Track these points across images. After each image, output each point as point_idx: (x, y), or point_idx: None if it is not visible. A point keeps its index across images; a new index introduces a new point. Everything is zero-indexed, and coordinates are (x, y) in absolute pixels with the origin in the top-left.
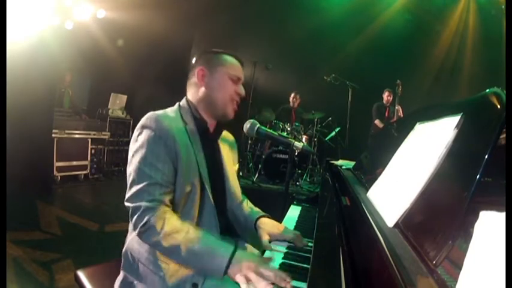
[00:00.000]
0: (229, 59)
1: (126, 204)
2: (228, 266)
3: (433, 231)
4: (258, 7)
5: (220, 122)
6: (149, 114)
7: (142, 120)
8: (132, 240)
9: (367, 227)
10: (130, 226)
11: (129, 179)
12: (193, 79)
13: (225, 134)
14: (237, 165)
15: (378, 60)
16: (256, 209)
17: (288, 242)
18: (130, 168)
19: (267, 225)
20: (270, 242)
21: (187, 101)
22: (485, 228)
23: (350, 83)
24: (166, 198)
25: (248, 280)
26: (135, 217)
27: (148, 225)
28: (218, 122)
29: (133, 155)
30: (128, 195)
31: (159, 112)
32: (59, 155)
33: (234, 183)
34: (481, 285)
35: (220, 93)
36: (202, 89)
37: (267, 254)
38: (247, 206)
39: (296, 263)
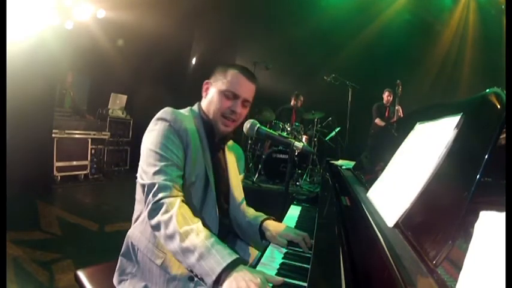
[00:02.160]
0: (234, 73)
1: (141, 181)
2: (224, 271)
3: (433, 231)
4: (258, 7)
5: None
6: (165, 108)
7: (159, 114)
8: (134, 228)
9: (367, 227)
10: (135, 215)
11: (145, 162)
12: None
13: (234, 145)
14: (243, 174)
15: (378, 60)
16: (259, 213)
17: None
18: (146, 153)
19: (275, 227)
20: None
21: (199, 106)
22: (485, 228)
23: (350, 83)
24: (180, 182)
25: None
26: (150, 194)
27: (160, 202)
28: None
29: (149, 142)
30: (144, 176)
31: (174, 109)
32: (59, 155)
33: (237, 189)
34: (481, 285)
35: (212, 107)
36: (204, 100)
37: (267, 254)
38: (249, 211)
39: (296, 263)
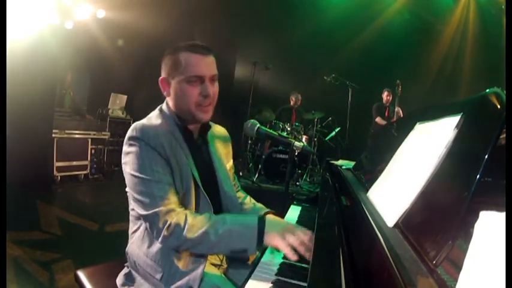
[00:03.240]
0: (185, 57)
1: (139, 212)
2: (262, 231)
3: (433, 231)
4: (258, 7)
5: (204, 124)
6: (134, 125)
7: (129, 133)
8: (132, 244)
9: (367, 227)
10: (131, 229)
11: (134, 191)
12: None
13: (218, 129)
14: (231, 161)
15: (378, 60)
16: (260, 205)
17: None
18: (131, 180)
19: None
20: None
21: (167, 106)
22: (485, 228)
23: (350, 83)
24: (176, 197)
25: (290, 245)
26: (156, 224)
27: (172, 226)
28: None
29: (130, 167)
30: (140, 207)
31: (144, 121)
32: (59, 155)
33: (227, 183)
34: (481, 285)
35: (182, 101)
36: (170, 100)
37: (267, 254)
38: (250, 202)
39: (296, 263)
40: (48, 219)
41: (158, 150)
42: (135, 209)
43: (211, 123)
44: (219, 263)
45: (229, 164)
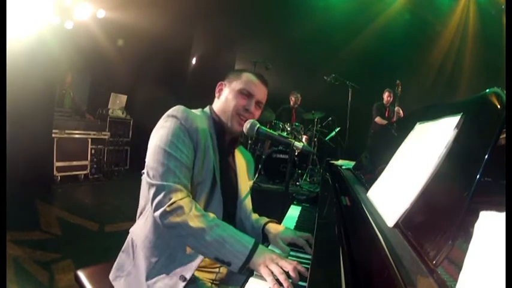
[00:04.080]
0: (248, 75)
1: (149, 180)
2: (252, 255)
3: (433, 231)
4: (258, 7)
5: (235, 136)
6: (177, 106)
7: (170, 111)
8: (136, 224)
9: (367, 227)
10: (139, 209)
11: (152, 159)
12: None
13: (243, 150)
14: (252, 180)
15: (377, 60)
16: (262, 217)
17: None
18: (154, 150)
19: (277, 230)
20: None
21: (210, 108)
22: (485, 228)
23: (350, 83)
24: (188, 182)
25: (270, 273)
26: (161, 196)
27: (175, 205)
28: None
29: (158, 138)
30: (152, 175)
31: (185, 107)
32: (59, 155)
33: (246, 195)
34: (481, 285)
35: (227, 105)
36: (217, 101)
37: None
38: (254, 216)
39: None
40: (48, 219)
41: (190, 133)
42: (146, 175)
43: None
44: (216, 270)
45: (249, 182)
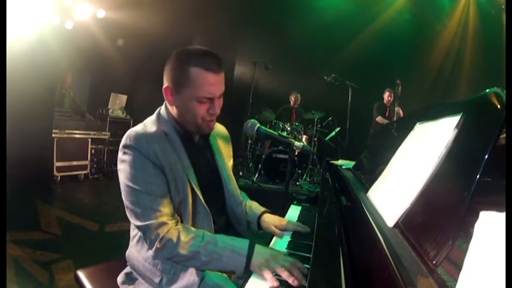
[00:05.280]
0: (196, 73)
1: (133, 222)
2: (250, 258)
3: (433, 231)
4: (258, 7)
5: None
6: (128, 133)
7: (123, 140)
8: (131, 248)
9: (367, 227)
10: (131, 233)
11: (128, 200)
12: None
13: (218, 127)
14: (231, 160)
15: (377, 60)
16: (256, 205)
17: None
18: (125, 189)
19: (271, 220)
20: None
21: (167, 111)
22: (485, 228)
23: (350, 83)
24: (170, 209)
25: (272, 271)
26: (149, 236)
27: (164, 240)
28: None
29: (124, 176)
30: (133, 217)
31: (138, 129)
32: (59, 155)
33: (231, 182)
34: (481, 285)
35: (189, 115)
36: (174, 109)
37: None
38: (248, 203)
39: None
40: (48, 219)
41: (152, 159)
42: (129, 217)
43: None
44: None
45: (230, 163)
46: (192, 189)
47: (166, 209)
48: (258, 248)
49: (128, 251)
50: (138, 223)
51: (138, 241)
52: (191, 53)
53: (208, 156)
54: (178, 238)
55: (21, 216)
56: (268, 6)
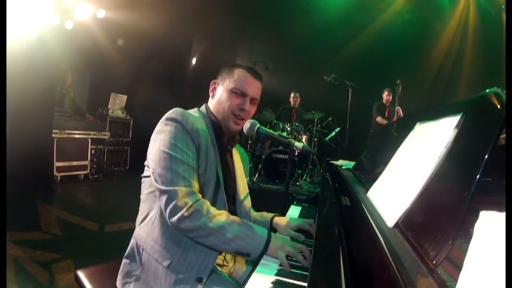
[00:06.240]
0: (240, 71)
1: (158, 186)
2: (268, 242)
3: (433, 231)
4: (258, 7)
5: (233, 135)
6: (175, 108)
7: (168, 114)
8: (140, 229)
9: (367, 227)
10: (140, 216)
11: (158, 165)
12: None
13: (240, 148)
14: (247, 178)
15: (378, 60)
16: (265, 212)
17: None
18: (158, 155)
19: (285, 221)
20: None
21: (206, 107)
22: (485, 228)
23: (350, 83)
24: (197, 184)
25: (287, 254)
26: (175, 201)
27: (192, 208)
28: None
29: (161, 143)
30: (161, 181)
31: (183, 110)
32: (59, 155)
33: (243, 193)
34: (481, 285)
35: (222, 106)
36: (212, 101)
37: None
38: (255, 212)
39: (296, 263)
40: (48, 219)
41: (192, 135)
42: (155, 182)
43: None
44: (221, 262)
45: (246, 179)
46: (217, 178)
47: (195, 183)
48: (274, 234)
49: (135, 232)
50: (166, 187)
51: (149, 221)
52: (239, 64)
53: (230, 163)
54: (208, 211)
55: (21, 216)
56: (268, 6)
